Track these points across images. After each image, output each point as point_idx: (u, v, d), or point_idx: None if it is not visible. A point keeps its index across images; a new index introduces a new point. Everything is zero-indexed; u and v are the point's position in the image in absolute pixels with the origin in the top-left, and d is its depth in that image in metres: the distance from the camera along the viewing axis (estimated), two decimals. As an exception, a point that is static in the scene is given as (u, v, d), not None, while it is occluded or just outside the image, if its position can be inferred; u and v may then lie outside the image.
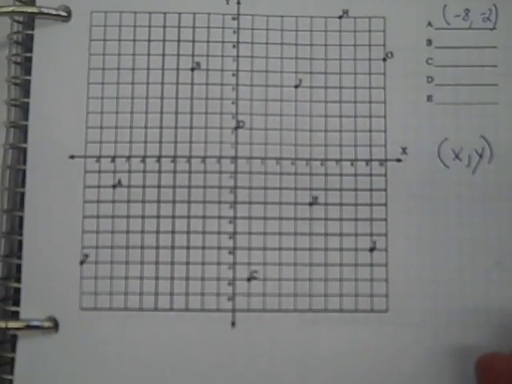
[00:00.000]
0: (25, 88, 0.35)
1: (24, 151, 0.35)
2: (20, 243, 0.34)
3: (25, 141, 0.35)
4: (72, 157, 0.34)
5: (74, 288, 0.34)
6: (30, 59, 0.35)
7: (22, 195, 0.35)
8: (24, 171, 0.35)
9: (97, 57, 0.35)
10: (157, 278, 0.34)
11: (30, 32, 0.35)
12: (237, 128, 0.34)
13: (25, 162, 0.35)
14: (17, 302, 0.34)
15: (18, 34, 0.36)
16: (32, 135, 0.35)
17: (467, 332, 0.33)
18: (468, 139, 0.35)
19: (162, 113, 0.35)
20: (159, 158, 0.34)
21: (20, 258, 0.34)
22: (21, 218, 0.35)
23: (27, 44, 0.36)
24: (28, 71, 0.35)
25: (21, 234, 0.34)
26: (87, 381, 0.33)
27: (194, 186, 0.34)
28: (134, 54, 0.35)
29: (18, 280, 0.34)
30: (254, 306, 0.34)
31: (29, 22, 0.36)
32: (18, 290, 0.34)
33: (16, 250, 0.35)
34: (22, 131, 0.35)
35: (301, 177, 0.34)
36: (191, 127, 0.34)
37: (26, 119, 0.35)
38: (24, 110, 0.35)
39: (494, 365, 0.31)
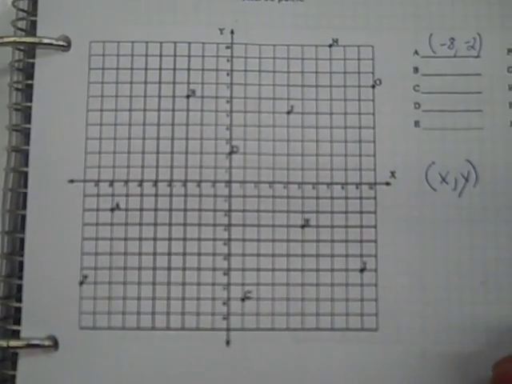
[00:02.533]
0: (26, 114, 0.36)
1: (25, 175, 0.36)
2: (20, 264, 0.35)
3: (26, 165, 0.35)
4: (71, 181, 0.35)
5: (73, 308, 0.34)
6: (30, 86, 0.36)
7: (23, 217, 0.35)
8: (25, 194, 0.35)
9: (96, 85, 0.36)
10: (154, 298, 0.34)
11: (31, 60, 0.36)
12: (231, 153, 0.35)
13: (25, 185, 0.35)
14: (17, 321, 0.35)
15: (19, 61, 0.37)
16: (33, 159, 0.35)
17: (454, 350, 0.34)
18: (454, 163, 0.35)
19: (158, 138, 0.35)
20: (156, 182, 0.35)
21: (21, 278, 0.35)
22: (21, 240, 0.35)
23: (28, 71, 0.36)
24: (29, 97, 0.36)
25: (21, 255, 0.35)
26: (86, 398, 0.34)
27: (189, 209, 0.35)
28: (131, 82, 0.36)
29: (19, 299, 0.35)
30: (248, 325, 0.34)
31: (30, 50, 0.36)
32: (18, 310, 0.35)
33: (17, 270, 0.36)
34: (23, 155, 0.36)
35: (293, 200, 0.35)
36: (187, 152, 0.35)
37: (27, 144, 0.36)
38: (25, 134, 0.36)
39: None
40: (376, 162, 0.35)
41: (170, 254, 0.35)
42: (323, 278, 0.35)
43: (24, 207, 0.35)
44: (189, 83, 0.36)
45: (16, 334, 0.35)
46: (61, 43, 0.36)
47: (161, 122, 0.36)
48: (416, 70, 0.36)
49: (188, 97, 0.36)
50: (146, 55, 0.36)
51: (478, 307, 0.34)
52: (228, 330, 0.34)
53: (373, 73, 0.36)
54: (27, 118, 0.36)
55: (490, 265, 0.35)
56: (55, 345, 0.34)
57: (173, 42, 0.36)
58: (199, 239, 0.35)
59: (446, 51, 0.36)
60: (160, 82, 0.36)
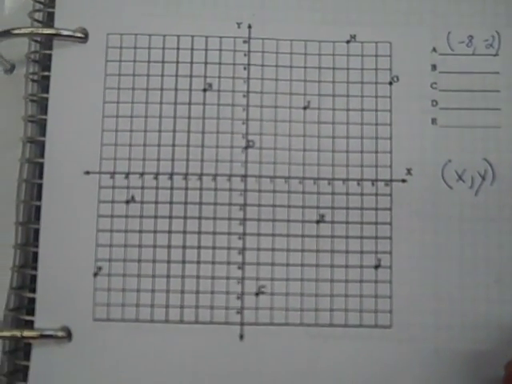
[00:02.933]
0: (41, 105, 0.36)
1: (40, 166, 0.36)
2: (34, 255, 0.35)
3: (41, 156, 0.36)
4: (87, 173, 0.35)
5: (87, 299, 0.34)
6: (46, 77, 0.36)
7: (37, 208, 0.35)
8: (39, 185, 0.35)
9: (112, 77, 0.36)
10: (168, 291, 0.35)
11: (47, 52, 0.36)
12: (247, 147, 0.35)
13: (40, 177, 0.35)
14: (30, 312, 0.35)
15: (35, 53, 0.37)
16: (49, 151, 0.35)
17: (467, 347, 0.34)
18: (471, 161, 0.35)
19: (174, 131, 0.35)
20: (171, 175, 0.35)
21: (34, 268, 0.35)
22: (35, 231, 0.35)
23: (44, 62, 0.37)
24: (45, 89, 0.36)
25: (35, 246, 0.35)
26: (99, 390, 0.34)
27: (204, 202, 0.35)
28: (148, 75, 0.36)
29: (32, 290, 0.35)
30: (262, 319, 0.34)
31: (46, 41, 0.37)
32: (31, 300, 0.35)
33: (31, 261, 0.36)
34: (39, 146, 0.36)
35: (308, 195, 0.35)
36: (203, 146, 0.35)
37: (43, 135, 0.36)
38: (40, 126, 0.36)
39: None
40: (392, 158, 0.35)
41: (184, 247, 0.35)
42: (338, 274, 0.35)
43: (39, 198, 0.35)
44: (205, 77, 0.36)
45: (29, 325, 0.35)
46: (78, 35, 0.36)
47: (177, 115, 0.36)
48: (434, 67, 0.36)
49: (205, 90, 0.36)
50: (163, 48, 0.36)
51: (491, 305, 0.34)
52: (242, 324, 0.34)
53: (390, 69, 0.36)
54: (43, 109, 0.36)
55: (505, 264, 0.35)
56: (68, 336, 0.34)
57: (190, 36, 0.36)
58: (214, 233, 0.35)
59: (464, 49, 0.36)
60: (177, 75, 0.36)
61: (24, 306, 0.35)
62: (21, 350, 0.35)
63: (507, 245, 0.35)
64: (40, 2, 0.37)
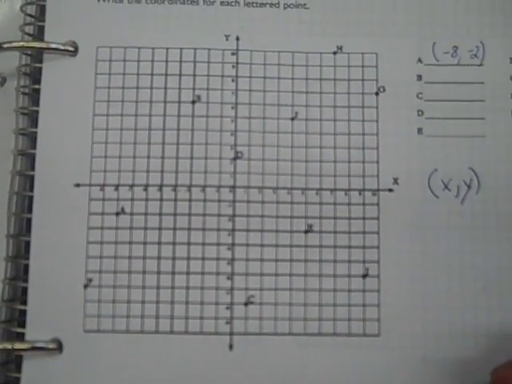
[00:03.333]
0: (32, 118, 0.36)
1: (30, 178, 0.36)
2: (25, 267, 0.35)
3: (31, 168, 0.36)
4: (77, 185, 0.35)
5: (77, 311, 0.34)
6: (37, 90, 0.36)
7: (28, 221, 0.36)
8: (30, 197, 0.36)
9: (102, 90, 0.36)
10: (158, 302, 0.35)
11: (38, 65, 0.36)
12: (235, 158, 0.36)
13: (31, 189, 0.36)
14: (22, 324, 0.35)
15: (26, 66, 0.37)
16: (39, 163, 0.36)
17: (455, 356, 0.34)
18: (457, 170, 0.36)
19: (163, 143, 0.36)
20: (161, 186, 0.35)
21: (25, 281, 0.35)
22: (26, 243, 0.36)
23: (35, 76, 0.37)
24: (36, 102, 0.36)
25: (26, 258, 0.35)
26: (90, 401, 0.34)
27: (194, 213, 0.35)
28: (137, 88, 0.36)
29: (23, 302, 0.35)
30: (251, 329, 0.34)
31: (37, 55, 0.37)
32: (23, 312, 0.35)
33: (22, 273, 0.36)
34: (29, 159, 0.36)
35: (296, 205, 0.35)
36: (192, 157, 0.36)
37: (33, 148, 0.36)
38: (31, 138, 0.36)
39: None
40: (379, 168, 0.36)
41: (174, 258, 0.35)
42: (326, 283, 0.35)
43: (29, 210, 0.36)
44: (194, 89, 0.36)
45: (20, 337, 0.35)
46: (68, 48, 0.36)
47: (166, 127, 0.36)
48: (419, 77, 0.36)
49: (193, 102, 0.36)
50: (153, 61, 0.36)
51: (479, 313, 0.35)
52: (231, 334, 0.34)
53: (376, 80, 0.36)
54: (34, 122, 0.36)
55: (491, 271, 0.35)
56: (59, 348, 0.34)
57: (179, 48, 0.36)
58: (203, 244, 0.35)
59: (450, 59, 0.36)
60: (166, 88, 0.36)
61: (15, 319, 0.36)
62: (12, 362, 0.35)
63: (493, 253, 0.35)
64: (31, 16, 0.38)
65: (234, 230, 0.35)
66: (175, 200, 0.35)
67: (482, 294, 0.35)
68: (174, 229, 0.35)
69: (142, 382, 0.34)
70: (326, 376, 0.34)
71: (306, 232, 0.35)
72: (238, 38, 0.37)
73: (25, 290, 0.35)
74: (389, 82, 0.36)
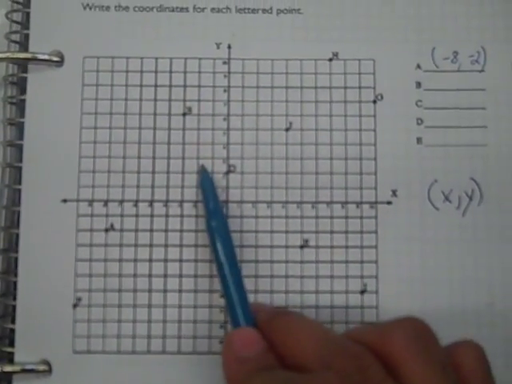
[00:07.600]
0: (20, 128, 0.35)
1: (19, 192, 0.35)
2: (15, 284, 0.34)
3: (19, 182, 0.35)
4: (64, 201, 0.34)
5: (67, 331, 0.34)
6: (25, 100, 0.35)
7: (16, 235, 0.35)
8: (19, 211, 0.35)
9: (89, 101, 0.35)
10: (149, 321, 0.34)
11: (24, 75, 0.35)
12: (228, 172, 0.35)
13: (20, 203, 0.35)
14: (13, 342, 0.34)
15: (13, 76, 0.36)
16: (26, 178, 0.35)
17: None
18: (458, 181, 0.35)
19: (154, 158, 0.35)
20: (151, 202, 0.35)
21: (15, 298, 0.34)
22: (15, 259, 0.35)
23: (22, 85, 0.36)
24: (23, 112, 0.35)
25: (16, 275, 0.34)
26: (80, 423, 0.33)
27: (185, 230, 0.34)
28: (126, 99, 0.35)
29: (14, 320, 0.34)
30: (246, 348, 0.34)
31: (24, 63, 0.36)
32: (13, 331, 0.34)
33: (12, 289, 0.35)
34: (17, 171, 0.35)
35: (292, 220, 0.34)
36: (183, 172, 0.35)
37: (20, 160, 0.35)
38: (20, 149, 0.35)
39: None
40: (377, 180, 0.35)
41: (165, 275, 0.34)
42: (323, 299, 0.34)
43: (17, 223, 0.35)
44: (185, 100, 0.35)
45: (10, 355, 0.34)
46: (54, 58, 0.35)
47: (156, 140, 0.35)
48: (418, 84, 0.35)
49: (184, 115, 0.35)
50: (141, 71, 0.35)
51: (482, 330, 0.34)
52: (225, 354, 0.34)
53: (374, 88, 0.35)
54: (21, 133, 0.35)
55: (495, 286, 0.34)
56: (49, 369, 0.34)
57: (168, 58, 0.35)
58: (195, 260, 0.34)
59: (450, 65, 0.35)
60: (156, 100, 0.35)
61: (6, 337, 0.35)
62: (3, 381, 0.34)
63: (497, 267, 0.34)
64: (17, 23, 0.37)
65: (227, 246, 0.34)
66: (166, 216, 0.34)
67: (485, 310, 0.34)
68: (166, 245, 0.34)
69: (133, 404, 0.33)
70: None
71: (302, 247, 0.34)
72: (229, 46, 0.35)
73: (15, 308, 0.34)
74: (387, 90, 0.35)
